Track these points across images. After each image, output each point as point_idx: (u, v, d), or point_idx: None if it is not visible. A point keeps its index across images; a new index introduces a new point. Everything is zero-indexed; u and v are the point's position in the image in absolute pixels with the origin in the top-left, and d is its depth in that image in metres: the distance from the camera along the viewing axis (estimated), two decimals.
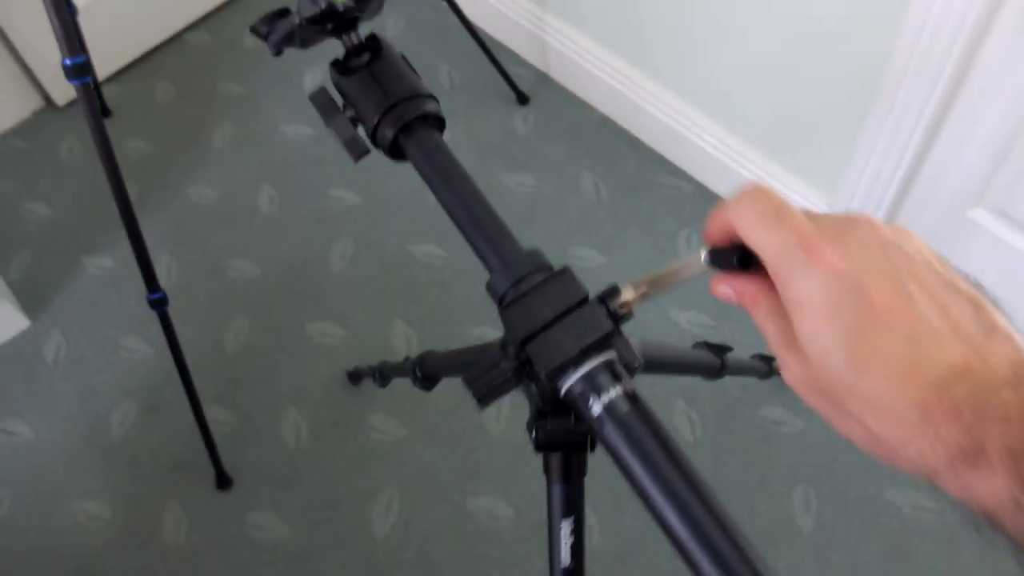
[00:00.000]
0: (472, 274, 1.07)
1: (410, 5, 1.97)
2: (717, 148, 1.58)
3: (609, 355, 0.46)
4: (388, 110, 0.59)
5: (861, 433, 0.35)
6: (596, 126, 1.76)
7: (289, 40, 0.61)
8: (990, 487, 0.31)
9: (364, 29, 0.64)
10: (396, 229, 1.65)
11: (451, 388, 1.00)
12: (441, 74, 1.86)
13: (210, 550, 1.38)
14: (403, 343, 1.53)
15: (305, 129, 1.81)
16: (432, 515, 1.37)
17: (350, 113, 0.61)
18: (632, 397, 0.44)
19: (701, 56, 1.49)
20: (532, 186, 1.69)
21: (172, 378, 1.34)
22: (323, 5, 0.59)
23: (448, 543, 1.35)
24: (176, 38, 1.98)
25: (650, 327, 1.50)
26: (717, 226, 0.40)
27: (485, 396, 0.49)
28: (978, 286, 0.36)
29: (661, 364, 0.85)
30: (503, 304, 0.49)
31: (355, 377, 1.46)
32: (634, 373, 0.55)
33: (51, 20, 0.98)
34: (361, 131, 0.61)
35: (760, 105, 1.46)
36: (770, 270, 0.37)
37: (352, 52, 0.63)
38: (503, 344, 0.49)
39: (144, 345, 1.58)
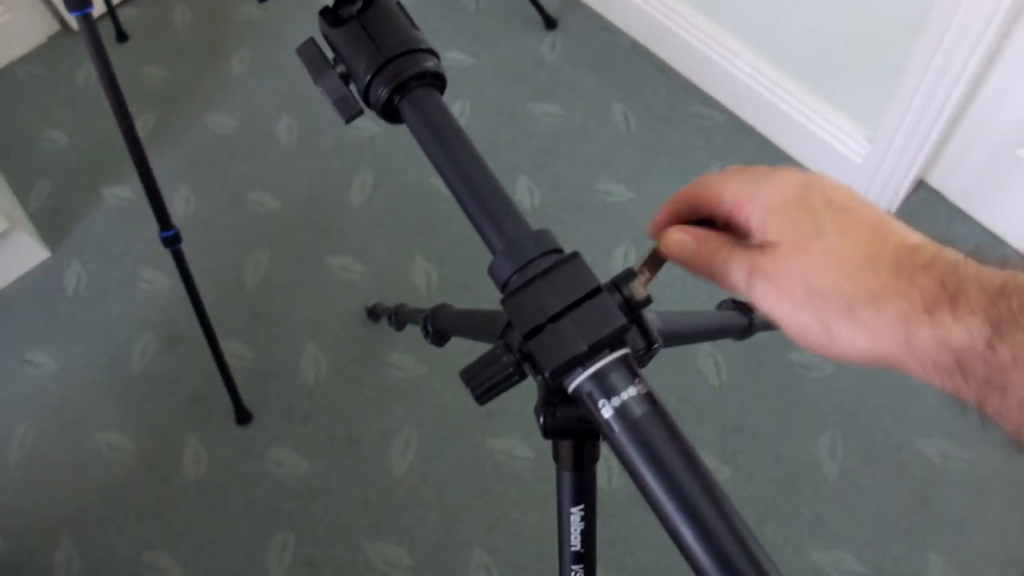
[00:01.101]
0: None
1: None
2: (752, 77, 1.50)
3: (622, 351, 0.41)
4: (382, 67, 0.53)
5: (825, 308, 0.37)
6: (626, 52, 1.68)
7: None
8: (965, 330, 0.32)
9: None
10: (417, 161, 1.60)
11: None
12: None
13: (230, 484, 1.38)
14: (423, 278, 1.50)
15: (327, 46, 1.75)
16: (451, 454, 1.36)
17: (341, 69, 0.55)
18: (648, 398, 0.40)
19: None
20: (559, 115, 1.63)
21: (191, 310, 1.32)
22: None
23: (466, 482, 1.34)
24: None
25: (677, 268, 1.45)
26: (668, 212, 0.46)
27: (484, 393, 0.45)
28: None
29: (685, 335, 0.80)
30: (505, 292, 0.44)
31: (374, 314, 1.44)
32: (654, 354, 0.51)
33: None
34: (353, 89, 0.55)
35: (798, 32, 1.38)
36: (738, 197, 0.41)
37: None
38: (503, 332, 0.45)
39: (163, 276, 1.56)
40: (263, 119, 1.70)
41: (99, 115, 1.74)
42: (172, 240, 1.21)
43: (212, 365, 1.38)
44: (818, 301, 0.37)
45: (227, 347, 1.40)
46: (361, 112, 0.56)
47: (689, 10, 1.54)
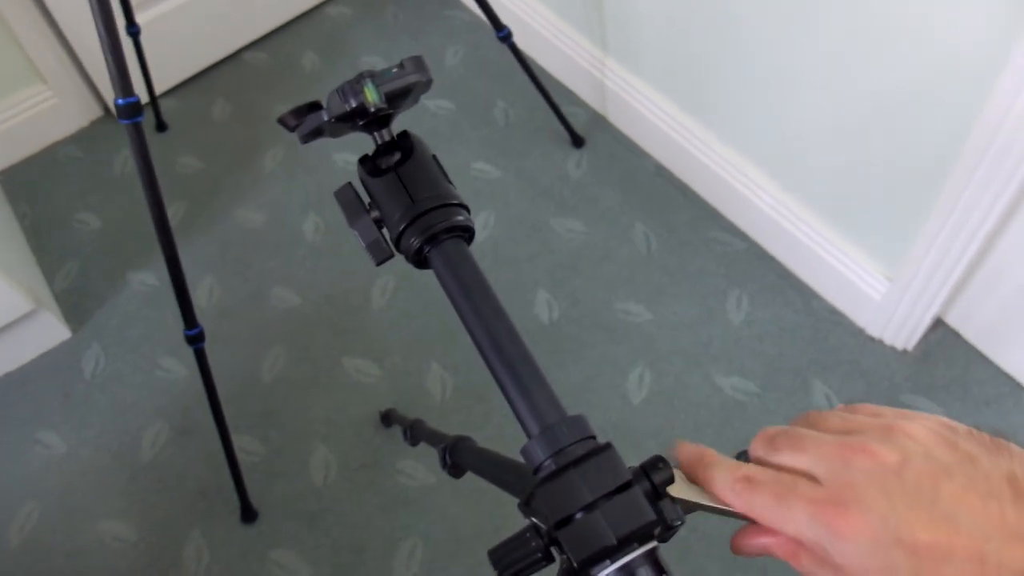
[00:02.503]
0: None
1: (473, 36, 1.95)
2: (774, 208, 1.53)
3: (650, 545, 0.42)
4: (415, 219, 0.55)
5: None
6: (651, 175, 1.72)
7: (318, 134, 0.58)
8: None
9: (398, 123, 0.61)
10: None
11: (481, 441, 0.97)
12: (496, 110, 1.84)
13: None
14: (438, 386, 1.50)
15: (355, 158, 1.79)
16: (454, 568, 1.34)
17: (375, 214, 0.58)
18: None
19: (764, 113, 1.44)
20: (581, 232, 1.66)
21: (206, 403, 1.32)
22: (353, 104, 0.56)
23: None
24: (234, 56, 1.99)
25: (692, 393, 1.45)
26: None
27: None
28: (998, 434, 0.35)
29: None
30: (538, 476, 0.45)
31: (387, 420, 1.44)
32: (676, 530, 0.51)
33: (106, 59, 0.98)
34: (386, 234, 0.58)
35: (822, 168, 1.41)
36: (804, 541, 0.36)
37: (381, 150, 0.59)
38: (529, 500, 0.45)
39: (180, 366, 1.57)
40: (290, 217, 1.73)
41: (131, 201, 1.78)
42: (196, 339, 1.22)
43: (221, 459, 1.38)
44: None
45: (238, 441, 1.40)
46: (392, 256, 0.58)
47: (713, 138, 1.58)
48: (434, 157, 0.61)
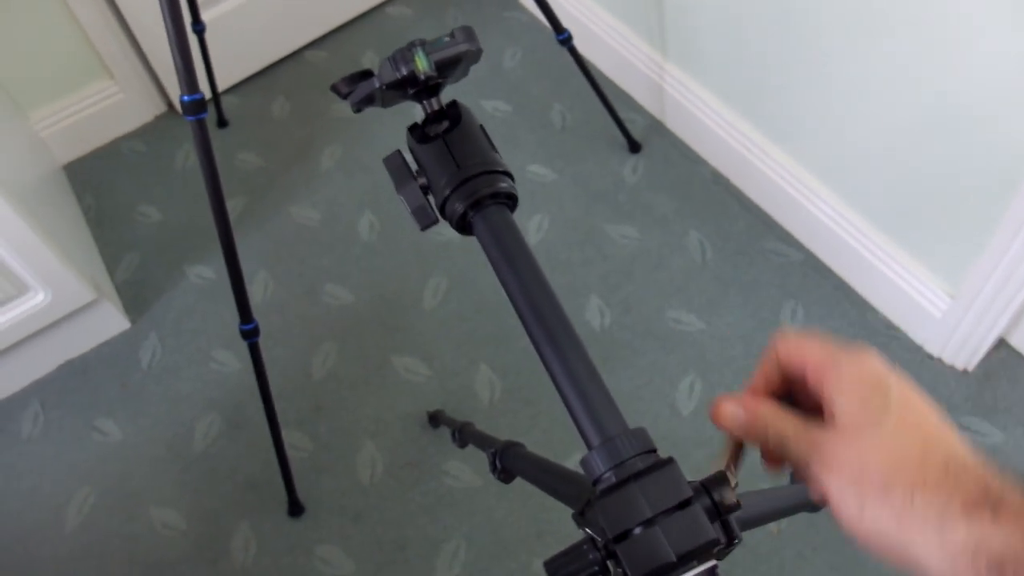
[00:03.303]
0: None
1: (531, 38, 1.95)
2: (833, 219, 1.50)
3: (710, 563, 0.41)
4: (460, 184, 0.57)
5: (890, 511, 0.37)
6: (707, 182, 1.70)
7: (369, 101, 0.59)
8: (1007, 536, 0.33)
9: (447, 94, 0.62)
10: (492, 272, 1.62)
11: (528, 445, 0.96)
12: (553, 112, 1.83)
13: None
14: (487, 389, 1.50)
15: (411, 158, 1.80)
16: (497, 571, 1.34)
17: (422, 180, 0.59)
18: None
19: (824, 122, 1.42)
20: (635, 239, 1.64)
21: (258, 397, 1.34)
22: (404, 72, 0.57)
23: None
24: (295, 55, 2.01)
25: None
26: (760, 380, 0.46)
27: None
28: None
29: (761, 517, 0.79)
30: (597, 488, 0.45)
31: (435, 420, 1.44)
32: (734, 548, 0.50)
33: (173, 56, 0.99)
34: (432, 200, 0.59)
35: (885, 180, 1.38)
36: (822, 359, 0.42)
37: (430, 118, 0.60)
38: (584, 510, 0.45)
39: (234, 359, 1.60)
40: (346, 215, 1.75)
41: (191, 196, 1.82)
42: (251, 333, 1.24)
43: (271, 453, 1.39)
44: (863, 481, 0.38)
45: (287, 436, 1.42)
46: (436, 222, 0.60)
47: (772, 147, 1.56)
48: (481, 127, 0.62)
